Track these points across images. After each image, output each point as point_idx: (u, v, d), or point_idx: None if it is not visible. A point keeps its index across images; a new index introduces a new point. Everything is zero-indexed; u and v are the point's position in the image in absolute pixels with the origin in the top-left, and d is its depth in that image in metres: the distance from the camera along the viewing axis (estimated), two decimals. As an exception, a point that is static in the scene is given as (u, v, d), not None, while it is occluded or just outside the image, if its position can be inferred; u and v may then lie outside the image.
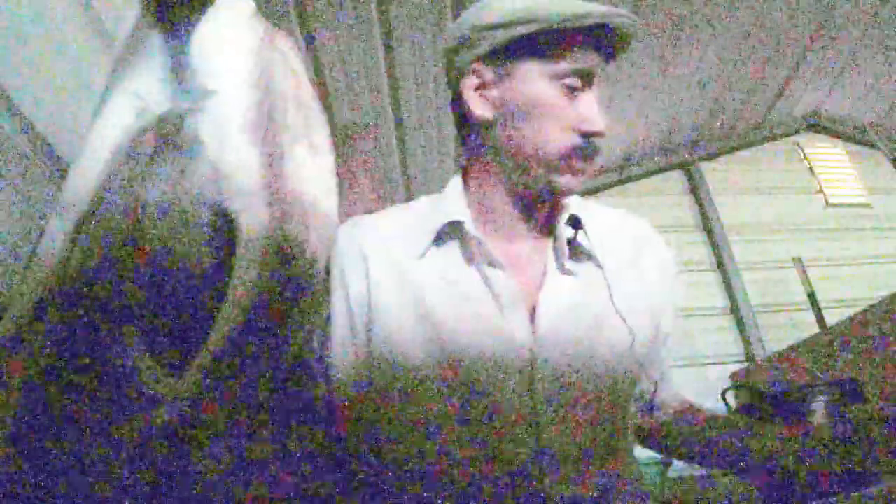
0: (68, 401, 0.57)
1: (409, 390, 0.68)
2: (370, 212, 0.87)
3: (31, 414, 0.57)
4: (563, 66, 0.73)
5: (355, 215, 0.85)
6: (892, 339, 1.70)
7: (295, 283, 0.63)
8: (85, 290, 0.58)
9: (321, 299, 0.71)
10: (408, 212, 0.83)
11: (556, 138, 0.73)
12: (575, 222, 0.77)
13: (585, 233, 0.76)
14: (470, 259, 0.74)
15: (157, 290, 0.58)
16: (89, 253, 0.58)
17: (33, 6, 1.04)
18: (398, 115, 2.63)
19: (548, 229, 0.79)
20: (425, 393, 0.68)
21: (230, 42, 0.63)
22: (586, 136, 0.73)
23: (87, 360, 0.58)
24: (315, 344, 0.72)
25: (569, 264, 0.75)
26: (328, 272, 0.73)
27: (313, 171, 0.68)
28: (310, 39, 2.18)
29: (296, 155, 0.65)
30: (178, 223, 0.58)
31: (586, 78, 0.74)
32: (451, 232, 0.76)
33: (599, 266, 0.75)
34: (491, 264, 0.73)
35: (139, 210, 0.58)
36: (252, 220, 0.57)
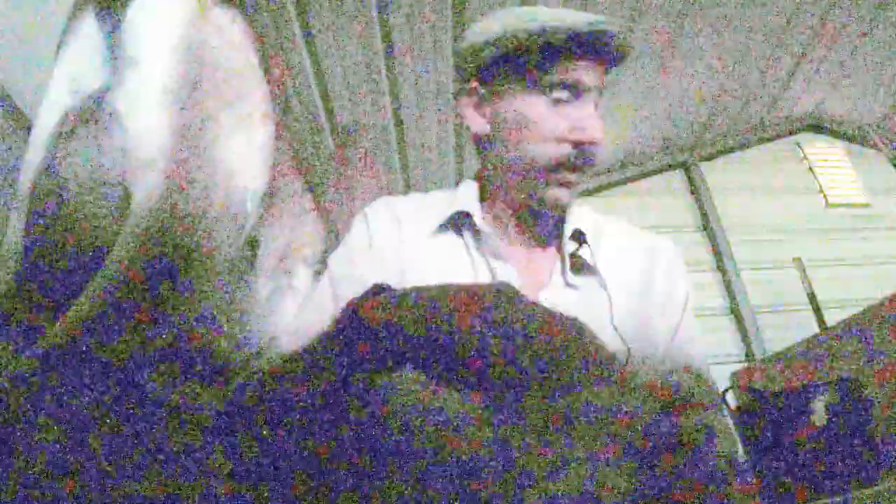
0: None
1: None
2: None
3: None
4: (547, 79, 0.74)
5: (356, 215, 0.86)
6: (892, 339, 1.69)
7: (180, 255, 0.62)
8: (30, 278, 0.58)
9: (216, 270, 0.70)
10: (428, 197, 0.86)
11: (544, 151, 0.74)
12: (579, 236, 0.78)
13: (590, 249, 0.77)
14: (477, 249, 0.76)
15: (81, 270, 0.57)
16: (39, 243, 0.58)
17: (33, 6, 1.04)
18: (398, 116, 2.63)
19: (558, 241, 0.80)
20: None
21: (159, 16, 0.63)
22: (578, 145, 0.73)
23: None
24: (219, 316, 0.72)
25: (572, 278, 0.75)
26: (253, 244, 0.73)
27: (239, 140, 0.68)
28: (310, 40, 2.18)
29: (221, 123, 0.65)
30: (95, 199, 0.57)
31: (573, 89, 0.74)
32: (462, 223, 0.79)
33: (604, 285, 0.75)
34: (497, 257, 0.75)
35: (60, 190, 0.57)
36: (144, 192, 0.57)
